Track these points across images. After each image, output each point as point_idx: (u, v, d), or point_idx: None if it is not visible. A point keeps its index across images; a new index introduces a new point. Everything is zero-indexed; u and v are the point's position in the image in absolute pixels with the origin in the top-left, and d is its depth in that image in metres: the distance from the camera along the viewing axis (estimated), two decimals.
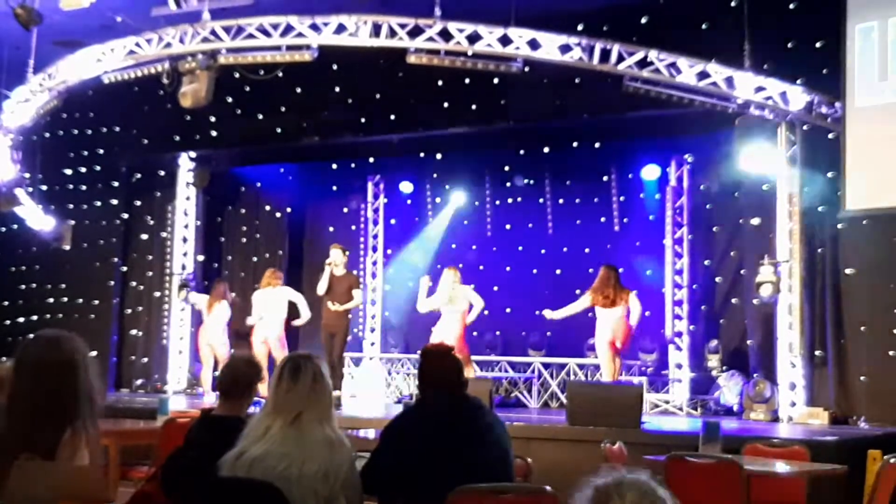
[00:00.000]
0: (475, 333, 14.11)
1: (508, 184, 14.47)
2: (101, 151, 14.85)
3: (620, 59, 10.46)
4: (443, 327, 11.40)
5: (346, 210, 15.55)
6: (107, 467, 6.57)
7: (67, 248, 14.01)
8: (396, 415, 4.65)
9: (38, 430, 3.03)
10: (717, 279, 12.78)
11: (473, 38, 10.71)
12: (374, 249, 15.39)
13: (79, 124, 14.71)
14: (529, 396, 12.99)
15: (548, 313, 11.28)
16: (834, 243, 10.72)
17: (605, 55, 10.48)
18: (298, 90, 12.94)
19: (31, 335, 3.37)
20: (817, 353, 10.74)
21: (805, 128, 10.76)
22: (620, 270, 11.23)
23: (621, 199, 13.79)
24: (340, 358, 11.39)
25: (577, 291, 13.48)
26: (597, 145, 13.10)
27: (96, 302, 14.77)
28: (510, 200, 14.54)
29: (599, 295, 10.93)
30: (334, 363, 11.07)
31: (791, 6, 10.69)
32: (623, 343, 10.91)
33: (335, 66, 12.38)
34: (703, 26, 10.99)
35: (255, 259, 15.42)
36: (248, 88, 12.61)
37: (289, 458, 3.71)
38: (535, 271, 13.93)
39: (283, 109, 13.35)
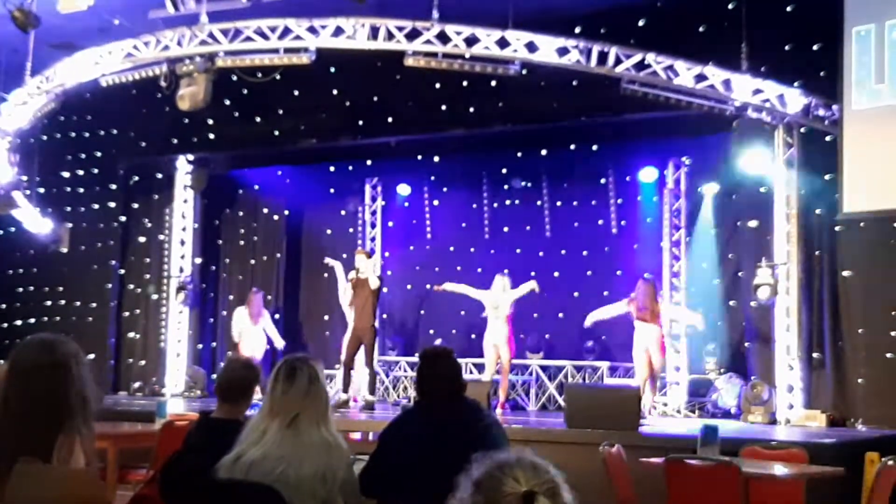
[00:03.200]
0: (473, 336, 14.12)
1: (506, 186, 14.46)
2: (99, 154, 14.85)
3: (618, 61, 10.47)
4: (492, 332, 11.65)
5: (343, 212, 15.54)
6: (104, 470, 6.56)
7: (65, 250, 14.00)
8: (394, 417, 4.65)
9: (32, 432, 3.03)
10: (715, 281, 12.78)
11: (471, 41, 10.72)
12: (372, 252, 15.37)
13: (76, 127, 14.71)
14: (527, 399, 12.99)
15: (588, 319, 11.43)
16: (831, 246, 10.74)
17: (603, 58, 10.50)
18: (296, 93, 12.95)
19: (26, 338, 3.37)
20: (815, 355, 10.76)
21: (802, 130, 10.78)
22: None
23: (619, 201, 13.78)
24: (372, 362, 11.39)
25: (576, 294, 13.55)
26: (594, 148, 13.11)
27: (94, 305, 14.77)
28: (508, 203, 14.53)
29: (637, 308, 11.06)
30: (369, 367, 11.31)
31: (788, 9, 10.71)
32: (659, 361, 11.12)
33: (333, 69, 12.39)
34: (701, 29, 11.01)
35: (252, 262, 15.42)
36: (245, 91, 12.61)
37: (286, 460, 3.71)
38: (532, 274, 13.88)
39: (280, 112, 13.36)
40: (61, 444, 3.01)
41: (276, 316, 14.54)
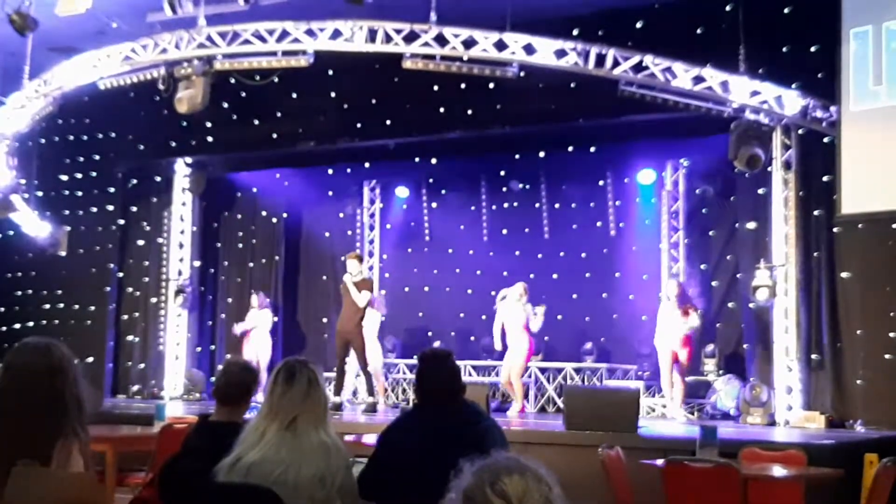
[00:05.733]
0: (472, 338, 14.14)
1: (504, 188, 14.48)
2: (98, 157, 14.84)
3: (616, 63, 10.48)
4: (512, 344, 11.71)
5: (341, 215, 15.56)
6: (103, 473, 6.55)
7: (63, 254, 13.99)
8: (393, 420, 4.65)
9: (30, 436, 3.02)
10: (714, 283, 12.79)
11: (469, 44, 10.73)
12: (371, 254, 15.40)
13: (75, 130, 14.70)
14: (526, 401, 12.96)
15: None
16: (829, 247, 10.73)
17: (601, 60, 10.50)
18: (294, 95, 12.96)
19: (20, 342, 3.35)
20: (813, 356, 10.75)
21: (800, 132, 10.79)
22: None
23: (617, 203, 13.79)
24: (365, 364, 11.38)
25: (575, 296, 13.55)
26: (592, 150, 13.12)
27: (92, 308, 14.75)
28: (506, 205, 14.55)
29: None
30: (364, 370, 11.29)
31: (786, 10, 10.72)
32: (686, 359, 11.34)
33: (331, 72, 12.39)
34: (699, 31, 11.02)
35: (251, 264, 15.42)
36: (243, 94, 12.62)
37: (285, 463, 3.71)
38: (531, 276, 13.91)
39: (278, 115, 13.36)
40: (61, 447, 3.00)
41: (275, 319, 14.54)
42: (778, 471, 6.20)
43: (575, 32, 10.92)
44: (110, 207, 14.96)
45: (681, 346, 11.31)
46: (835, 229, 10.57)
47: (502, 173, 14.34)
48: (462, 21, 10.68)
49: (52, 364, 3.15)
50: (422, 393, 4.59)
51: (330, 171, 15.07)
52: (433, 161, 14.15)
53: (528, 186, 14.28)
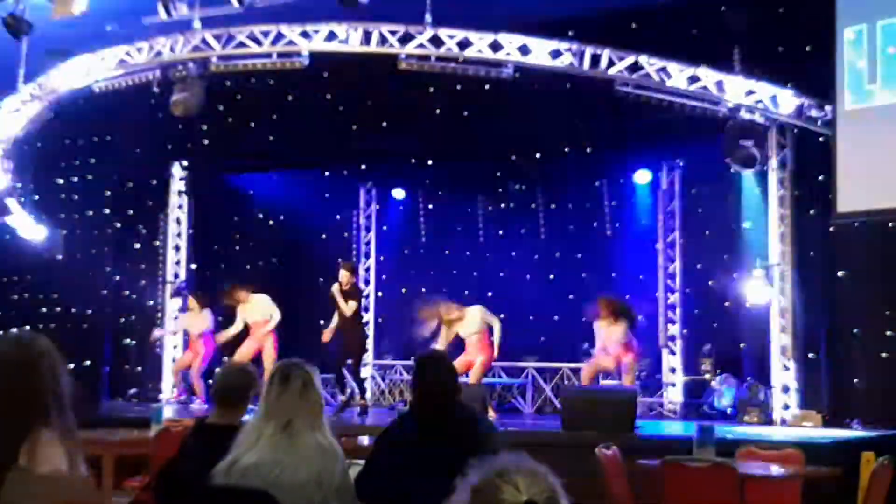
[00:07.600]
0: None
1: (500, 190, 14.47)
2: (93, 160, 14.81)
3: (611, 64, 10.49)
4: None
5: (338, 217, 15.55)
6: (99, 477, 6.55)
7: (60, 257, 13.98)
8: (390, 422, 4.66)
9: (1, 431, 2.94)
10: (710, 283, 12.79)
11: (464, 45, 10.73)
12: (367, 256, 15.39)
13: (70, 133, 14.67)
14: (523, 402, 12.98)
15: None
16: (826, 246, 10.74)
17: (596, 60, 10.51)
18: (290, 98, 12.94)
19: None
20: (810, 355, 10.76)
21: (795, 131, 10.80)
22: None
23: (613, 203, 13.79)
24: (359, 369, 11.37)
25: (571, 297, 13.55)
26: (588, 150, 13.11)
27: (89, 311, 14.72)
28: (502, 206, 14.54)
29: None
30: (354, 373, 11.32)
31: (780, 10, 10.72)
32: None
33: (326, 74, 12.38)
34: (694, 31, 11.02)
35: (247, 267, 15.38)
36: (239, 96, 12.60)
37: (281, 465, 3.71)
38: (528, 277, 13.93)
39: (274, 117, 13.34)
40: (31, 443, 2.90)
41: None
42: (775, 470, 6.21)
43: (570, 33, 10.91)
44: (106, 211, 14.94)
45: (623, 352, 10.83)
46: (830, 228, 10.57)
47: (498, 174, 14.33)
48: (457, 22, 10.68)
49: (29, 357, 3.05)
50: (418, 394, 4.59)
51: (326, 174, 15.06)
52: (429, 163, 14.14)
53: (523, 187, 14.27)
